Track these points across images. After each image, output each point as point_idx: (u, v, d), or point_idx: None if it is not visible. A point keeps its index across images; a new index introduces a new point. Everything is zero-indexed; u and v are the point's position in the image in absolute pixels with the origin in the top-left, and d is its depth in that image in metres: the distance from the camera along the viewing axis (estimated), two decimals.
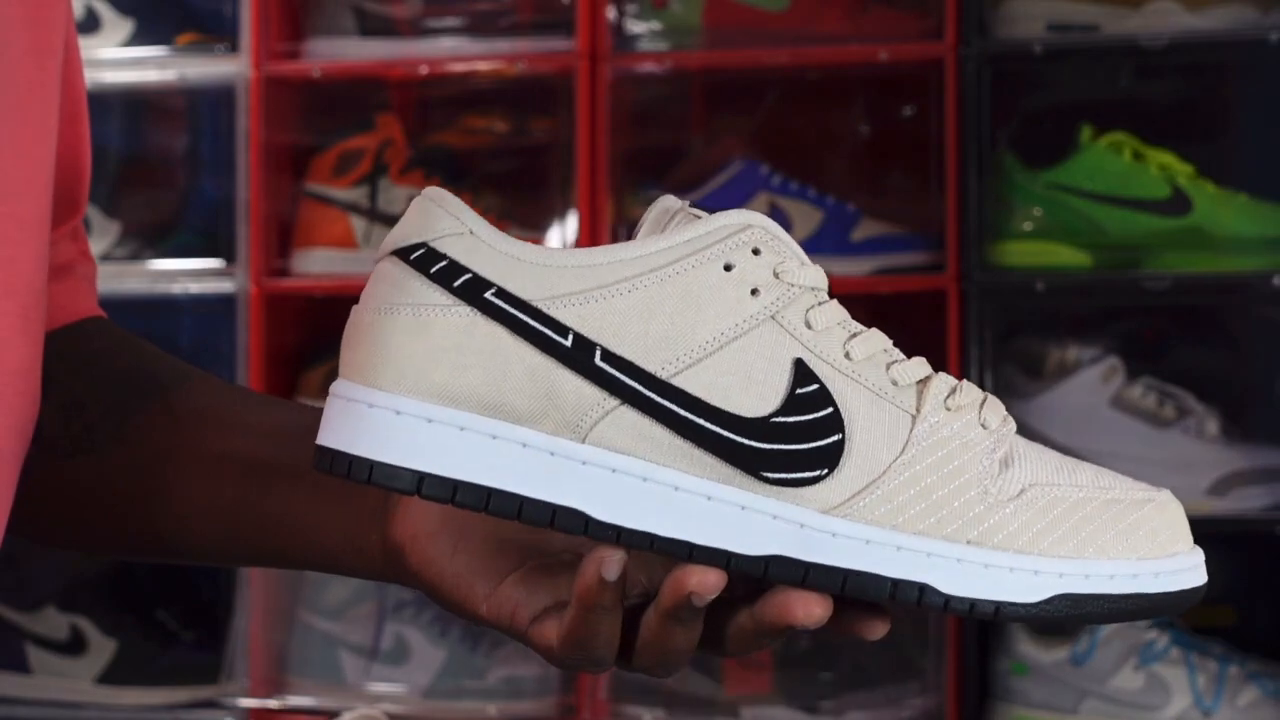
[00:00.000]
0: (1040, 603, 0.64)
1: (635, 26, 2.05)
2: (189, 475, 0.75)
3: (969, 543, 0.64)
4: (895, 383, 0.66)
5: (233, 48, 2.09)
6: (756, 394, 0.64)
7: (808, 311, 0.66)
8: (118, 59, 2.14)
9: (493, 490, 0.63)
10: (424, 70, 2.10)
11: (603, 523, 0.63)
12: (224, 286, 2.09)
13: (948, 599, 0.64)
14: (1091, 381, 1.95)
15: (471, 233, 0.65)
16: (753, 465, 0.64)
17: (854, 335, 0.66)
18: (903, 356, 0.67)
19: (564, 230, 2.06)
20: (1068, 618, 0.65)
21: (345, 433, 0.64)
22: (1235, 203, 1.93)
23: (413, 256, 0.65)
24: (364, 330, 0.65)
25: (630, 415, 0.64)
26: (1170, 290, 1.91)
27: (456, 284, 0.64)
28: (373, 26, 2.13)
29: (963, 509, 0.65)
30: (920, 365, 0.67)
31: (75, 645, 2.10)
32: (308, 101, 2.16)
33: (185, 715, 2.08)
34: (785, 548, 0.64)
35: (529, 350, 0.64)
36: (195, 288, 2.11)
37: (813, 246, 2.02)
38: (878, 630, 0.66)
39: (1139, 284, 1.91)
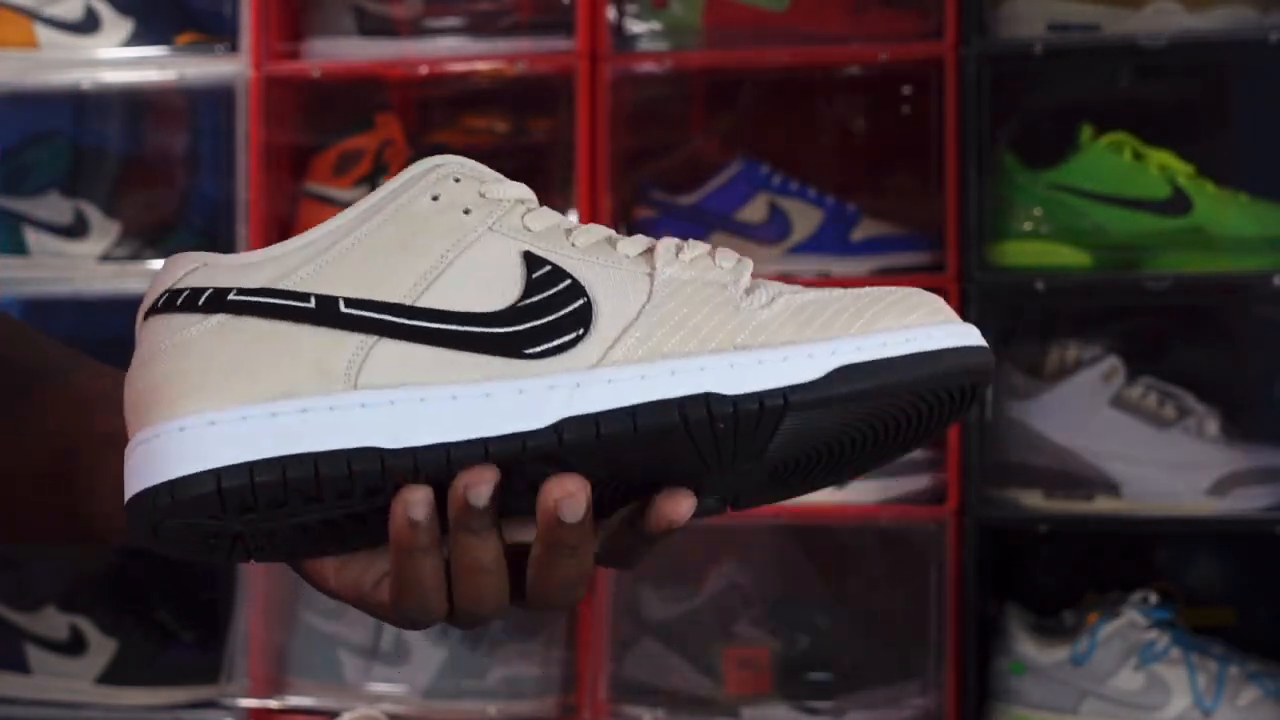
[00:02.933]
0: (823, 378, 0.65)
1: (635, 26, 2.05)
2: (105, 460, 0.76)
3: (736, 348, 0.66)
4: (626, 255, 0.69)
5: (233, 48, 2.09)
6: (498, 290, 0.67)
7: (523, 217, 0.70)
8: (118, 59, 2.14)
9: (286, 459, 0.64)
10: (424, 70, 2.10)
11: (396, 450, 0.64)
12: None
13: (734, 400, 0.65)
14: (1091, 381, 1.95)
15: (205, 264, 0.68)
16: (514, 348, 0.66)
17: (574, 229, 0.70)
18: (625, 238, 0.70)
19: None
20: (860, 393, 0.65)
21: (139, 474, 0.65)
22: (1235, 203, 1.93)
23: (159, 304, 0.68)
24: (137, 385, 0.67)
25: (389, 346, 0.66)
26: (1170, 290, 1.91)
27: (202, 302, 0.67)
28: (373, 26, 2.13)
29: (720, 325, 0.67)
30: (642, 239, 0.70)
31: (75, 645, 2.10)
32: (308, 101, 2.16)
33: (185, 715, 2.08)
34: (571, 409, 0.65)
35: (281, 325, 0.66)
36: None
37: (813, 246, 2.03)
38: (682, 506, 0.67)
39: (1139, 284, 1.91)
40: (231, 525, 0.66)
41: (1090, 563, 2.09)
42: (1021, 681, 1.89)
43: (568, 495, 0.64)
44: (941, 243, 1.95)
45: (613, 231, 0.70)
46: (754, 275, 0.69)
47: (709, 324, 0.67)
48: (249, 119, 2.07)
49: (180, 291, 0.68)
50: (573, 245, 0.69)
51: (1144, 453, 1.92)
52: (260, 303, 0.67)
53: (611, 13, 2.03)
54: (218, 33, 2.12)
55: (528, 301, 0.67)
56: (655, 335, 0.66)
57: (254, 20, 2.07)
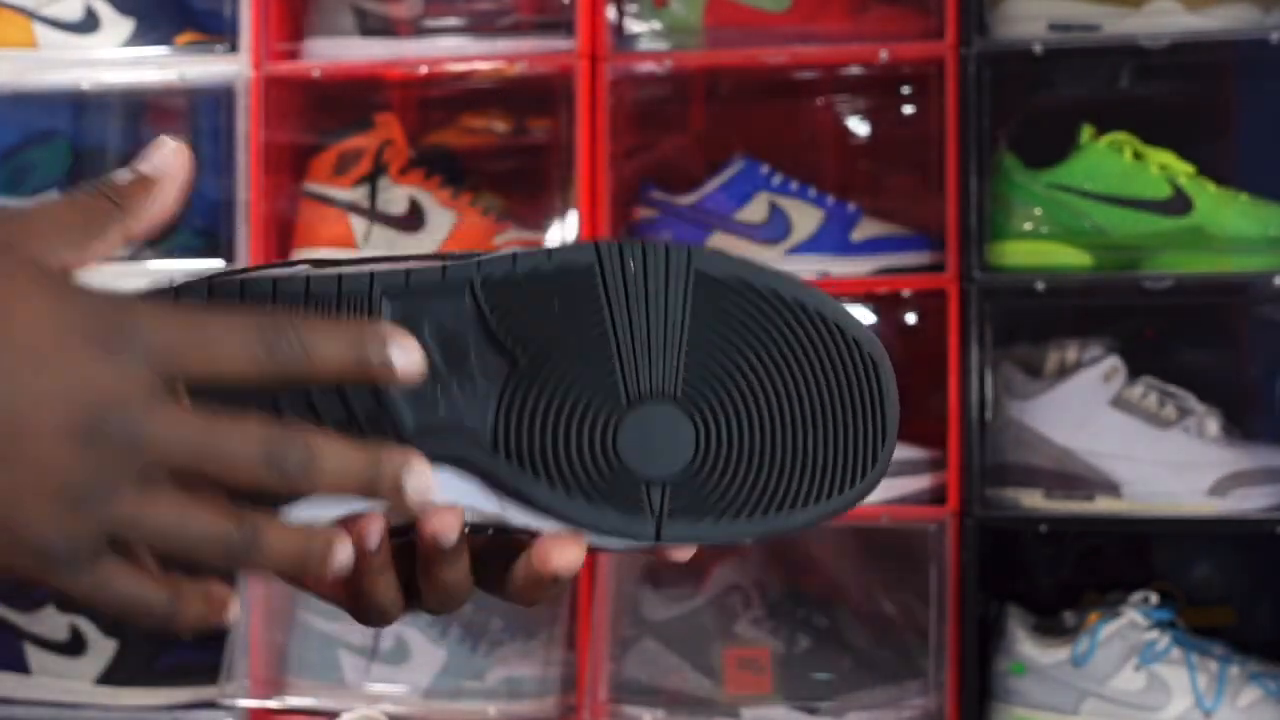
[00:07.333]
0: (716, 253, 0.68)
1: (635, 26, 2.05)
2: None
3: None
4: None
5: (233, 48, 2.09)
6: None
7: None
8: (118, 59, 2.14)
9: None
10: (424, 70, 2.10)
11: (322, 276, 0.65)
12: None
13: (643, 246, 0.66)
14: (1091, 381, 1.95)
15: None
16: None
17: None
18: None
19: (564, 230, 2.06)
20: (749, 284, 0.67)
21: None
22: (1235, 203, 1.93)
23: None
24: None
25: None
26: (1170, 290, 1.91)
27: None
28: (373, 26, 2.13)
29: None
30: None
31: (75, 645, 2.10)
32: (308, 101, 2.16)
33: (185, 715, 2.08)
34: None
35: None
36: None
37: (813, 246, 2.03)
38: (569, 552, 0.66)
39: (1139, 284, 1.91)
40: None
41: (1090, 563, 2.09)
42: (1022, 682, 1.89)
43: (448, 529, 0.64)
44: (941, 243, 1.95)
45: None
46: None
47: None
48: (249, 119, 2.07)
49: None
50: None
51: (1144, 453, 1.92)
52: None
53: (611, 13, 2.03)
54: (218, 33, 2.12)
55: None
56: None
57: (254, 20, 2.07)
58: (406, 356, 0.60)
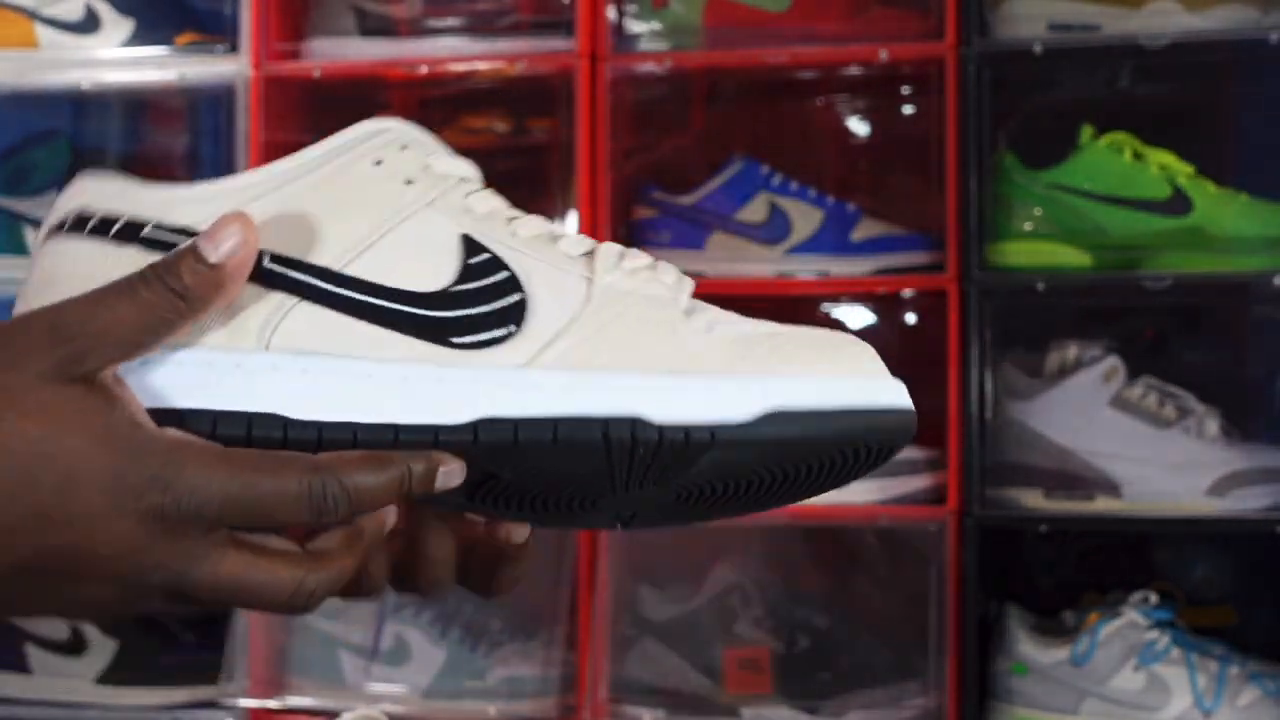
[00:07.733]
0: (754, 421, 0.63)
1: (635, 26, 2.05)
2: None
3: (669, 372, 0.63)
4: (567, 254, 0.66)
5: (233, 48, 2.09)
6: (431, 271, 0.64)
7: (466, 198, 0.67)
8: (118, 59, 2.14)
9: (184, 412, 0.62)
10: (424, 70, 2.10)
11: (301, 422, 0.62)
12: None
13: (660, 429, 0.62)
14: (1091, 381, 1.95)
15: (124, 192, 0.65)
16: (440, 334, 0.63)
17: (515, 218, 0.67)
18: (568, 234, 0.67)
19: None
20: (786, 440, 0.63)
21: None
22: (1235, 203, 1.93)
23: (67, 225, 0.65)
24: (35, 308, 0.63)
25: (311, 310, 0.63)
26: (1170, 290, 1.91)
27: (113, 232, 0.64)
28: (373, 26, 2.13)
29: (655, 345, 0.64)
30: (584, 239, 0.67)
31: (75, 645, 2.10)
32: (308, 101, 2.16)
33: (185, 715, 2.08)
34: (492, 409, 0.62)
35: None
36: None
37: (813, 246, 2.03)
38: (518, 533, 0.68)
39: (1139, 284, 1.91)
40: None
41: (1090, 563, 2.09)
42: (1022, 682, 1.89)
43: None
44: (941, 243, 1.95)
45: (555, 226, 0.68)
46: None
47: (644, 342, 0.64)
48: (249, 119, 2.07)
49: (90, 217, 0.65)
50: (513, 235, 0.66)
51: (1144, 453, 1.92)
52: (177, 244, 0.64)
53: (611, 13, 2.03)
54: (218, 33, 2.12)
55: (462, 288, 0.64)
56: (587, 345, 0.64)
57: (254, 20, 2.07)
58: (450, 478, 0.62)
